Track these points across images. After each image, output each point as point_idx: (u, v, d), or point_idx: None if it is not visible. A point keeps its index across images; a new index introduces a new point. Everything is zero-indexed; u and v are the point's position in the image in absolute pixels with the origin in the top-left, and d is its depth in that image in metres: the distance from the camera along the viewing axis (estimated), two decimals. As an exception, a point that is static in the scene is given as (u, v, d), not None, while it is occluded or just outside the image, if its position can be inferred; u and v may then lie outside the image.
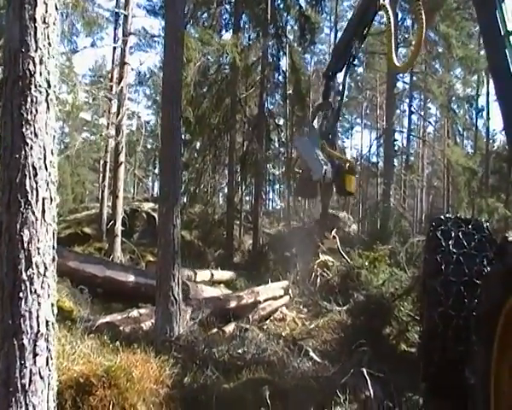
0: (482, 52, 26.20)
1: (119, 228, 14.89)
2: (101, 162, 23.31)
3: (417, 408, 5.64)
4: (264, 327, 9.05)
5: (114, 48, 17.91)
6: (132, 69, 17.33)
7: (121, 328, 6.69)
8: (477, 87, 30.23)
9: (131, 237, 17.96)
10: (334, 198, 46.13)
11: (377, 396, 5.26)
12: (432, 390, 5.66)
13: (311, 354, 7.21)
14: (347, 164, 7.88)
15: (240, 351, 6.59)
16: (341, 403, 5.02)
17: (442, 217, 6.44)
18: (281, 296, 11.01)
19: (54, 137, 2.87)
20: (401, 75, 27.22)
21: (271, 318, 10.01)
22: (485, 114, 29.85)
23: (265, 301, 10.28)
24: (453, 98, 31.71)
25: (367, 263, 11.25)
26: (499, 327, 3.52)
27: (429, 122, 37.93)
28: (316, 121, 8.48)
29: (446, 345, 5.38)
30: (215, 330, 7.58)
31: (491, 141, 31.94)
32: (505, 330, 3.51)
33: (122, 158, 15.40)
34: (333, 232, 15.93)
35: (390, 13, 6.92)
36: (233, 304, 9.39)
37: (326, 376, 6.06)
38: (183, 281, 10.50)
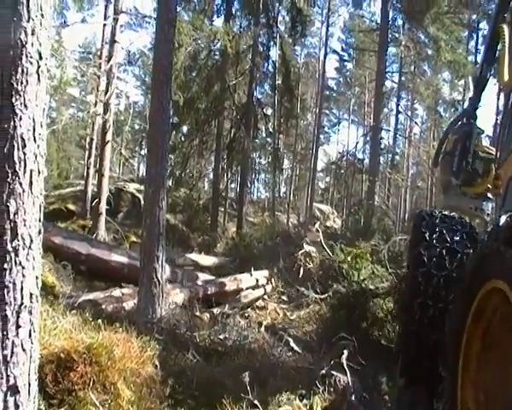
0: (470, 57, 26.53)
1: (103, 207, 14.82)
2: (88, 140, 23.07)
3: (394, 401, 5.68)
4: (246, 315, 9.06)
5: (105, 25, 17.65)
6: (122, 48, 17.19)
7: (103, 306, 6.65)
8: (463, 92, 30.53)
9: (116, 217, 17.86)
10: (319, 192, 46.25)
11: (356, 388, 5.29)
12: (408, 381, 5.73)
13: (292, 344, 7.24)
14: None
15: (221, 337, 6.59)
16: (320, 393, 5.04)
17: (428, 211, 6.57)
18: (263, 285, 11.01)
19: (44, 109, 2.81)
20: (390, 74, 27.39)
21: (253, 306, 10.02)
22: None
23: (247, 289, 10.29)
24: (440, 101, 32.03)
25: (349, 259, 11.27)
26: (469, 318, 3.60)
27: (416, 123, 38.27)
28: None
29: (422, 333, 5.51)
30: (197, 314, 7.57)
31: (474, 147, 32.29)
32: (474, 321, 3.58)
33: (109, 137, 15.28)
34: (316, 226, 16.01)
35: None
36: (215, 290, 9.38)
37: (306, 366, 6.09)
38: (178, 265, 10.52)
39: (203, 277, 10.81)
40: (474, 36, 29.57)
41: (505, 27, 6.38)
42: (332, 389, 5.18)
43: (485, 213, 6.73)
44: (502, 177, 5.07)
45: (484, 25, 28.95)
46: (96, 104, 15.77)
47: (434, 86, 30.13)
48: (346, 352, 6.23)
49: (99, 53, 18.60)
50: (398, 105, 31.81)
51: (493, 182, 5.42)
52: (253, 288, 10.57)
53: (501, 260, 3.07)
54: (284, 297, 11.00)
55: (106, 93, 14.97)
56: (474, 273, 3.63)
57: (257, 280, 10.94)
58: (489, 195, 6.95)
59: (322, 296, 10.08)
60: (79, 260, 9.36)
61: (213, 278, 10.89)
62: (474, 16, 27.77)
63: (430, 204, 30.67)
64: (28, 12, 2.68)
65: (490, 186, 6.63)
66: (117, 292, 7.63)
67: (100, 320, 5.15)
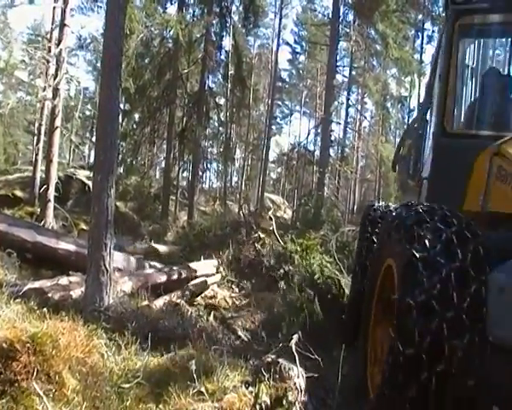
0: (416, 56, 27.32)
1: (52, 193, 14.53)
2: (36, 125, 22.50)
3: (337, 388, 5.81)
4: (195, 303, 9.07)
5: (54, 8, 17.17)
6: (72, 32, 16.83)
7: (50, 295, 6.50)
8: (410, 89, 31.37)
9: (65, 204, 17.54)
10: (271, 182, 46.40)
11: (302, 375, 5.38)
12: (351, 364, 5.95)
13: (240, 332, 7.31)
14: None
15: (169, 325, 6.57)
16: (266, 381, 5.10)
17: (376, 202, 8.34)
18: (213, 274, 11.04)
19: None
20: (341, 68, 27.84)
21: (202, 295, 10.04)
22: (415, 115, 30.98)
23: (197, 277, 10.29)
24: (387, 96, 32.80)
25: (299, 249, 11.44)
26: (377, 287, 4.46)
27: (365, 117, 39.03)
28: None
29: (359, 290, 6.57)
30: (145, 303, 7.52)
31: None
32: (379, 289, 4.43)
33: (58, 122, 14.95)
34: (269, 214, 16.11)
35: None
36: (164, 278, 9.34)
37: (253, 354, 6.16)
38: (127, 253, 10.39)
39: (153, 265, 10.74)
40: (420, 35, 30.55)
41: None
42: (278, 377, 5.24)
43: None
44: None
45: (428, 25, 30.00)
46: (44, 89, 15.37)
47: (383, 82, 30.77)
48: (294, 340, 6.33)
49: (48, 36, 18.08)
50: (348, 99, 32.41)
51: (417, 182, 6.33)
52: (203, 276, 10.58)
53: (391, 243, 3.92)
54: (234, 286, 11.06)
55: (55, 78, 14.62)
56: (379, 252, 4.50)
57: (207, 269, 10.96)
58: None
59: (273, 285, 10.21)
60: (25, 247, 9.08)
61: (163, 266, 10.84)
62: (420, 16, 28.64)
63: (378, 196, 31.37)
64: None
65: None
66: (64, 280, 7.47)
67: (45, 309, 5.06)
